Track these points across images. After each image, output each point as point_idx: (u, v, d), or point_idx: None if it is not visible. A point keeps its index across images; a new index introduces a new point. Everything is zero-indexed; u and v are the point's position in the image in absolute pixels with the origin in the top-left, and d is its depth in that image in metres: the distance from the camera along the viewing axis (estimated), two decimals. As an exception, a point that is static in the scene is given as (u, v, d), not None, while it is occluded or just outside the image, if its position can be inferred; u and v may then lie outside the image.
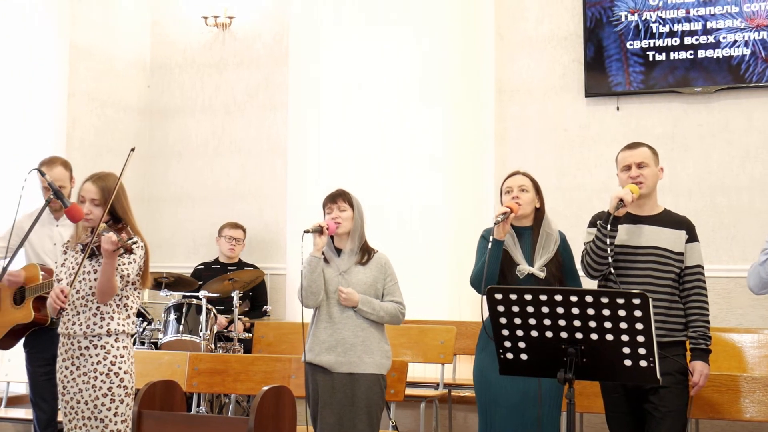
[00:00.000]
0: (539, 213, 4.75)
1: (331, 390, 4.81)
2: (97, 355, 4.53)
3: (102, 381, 4.51)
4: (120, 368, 4.54)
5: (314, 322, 4.93)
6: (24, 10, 7.24)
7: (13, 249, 5.48)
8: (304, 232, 4.81)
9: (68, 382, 4.58)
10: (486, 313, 4.10)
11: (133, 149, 4.59)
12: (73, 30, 7.76)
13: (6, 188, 6.76)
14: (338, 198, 4.93)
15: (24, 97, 7.24)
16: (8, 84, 7.15)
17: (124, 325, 4.58)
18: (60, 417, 5.70)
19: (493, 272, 4.54)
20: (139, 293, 4.72)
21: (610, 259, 4.38)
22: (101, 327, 4.54)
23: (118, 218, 4.63)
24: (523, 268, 4.62)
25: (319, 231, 4.80)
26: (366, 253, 4.95)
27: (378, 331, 4.90)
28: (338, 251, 4.96)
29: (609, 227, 4.36)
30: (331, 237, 4.95)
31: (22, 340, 5.69)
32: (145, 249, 4.64)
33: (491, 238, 4.51)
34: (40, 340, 5.54)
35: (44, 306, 5.41)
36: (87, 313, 4.56)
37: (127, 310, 4.63)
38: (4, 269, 4.40)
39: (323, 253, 4.88)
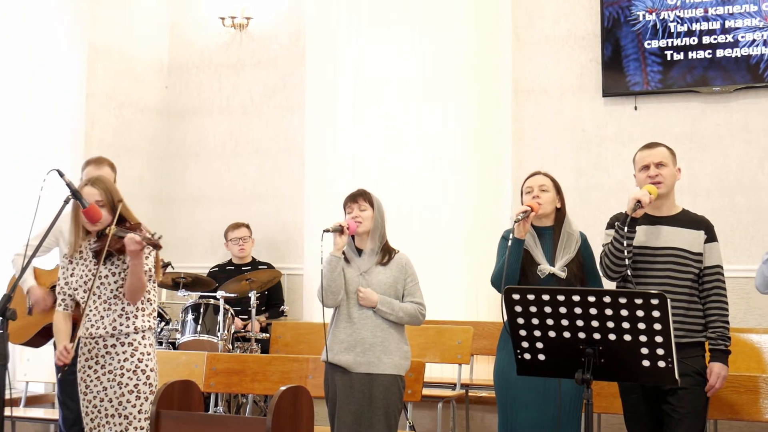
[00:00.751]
0: (560, 213, 4.75)
1: (349, 390, 4.80)
2: (124, 353, 4.56)
3: (129, 378, 4.54)
4: (147, 365, 4.58)
5: (334, 322, 4.93)
6: (43, 11, 7.26)
7: (49, 248, 5.54)
8: (324, 231, 4.79)
9: (91, 381, 4.61)
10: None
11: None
12: (91, 31, 7.79)
13: (25, 189, 6.78)
14: (359, 197, 4.93)
15: (43, 97, 7.27)
16: (28, 84, 7.19)
17: (148, 321, 4.64)
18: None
19: (514, 271, 4.53)
20: (155, 285, 4.75)
21: (627, 261, 4.37)
22: (128, 326, 4.57)
23: (122, 219, 4.64)
24: (545, 267, 4.61)
25: (339, 230, 4.79)
26: (387, 253, 4.94)
27: (397, 332, 4.89)
28: (359, 251, 4.95)
29: (626, 229, 4.34)
30: (353, 237, 4.94)
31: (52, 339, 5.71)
32: None
33: (511, 236, 4.51)
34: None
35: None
36: (112, 315, 4.57)
37: (151, 304, 4.68)
38: (24, 268, 4.41)
39: (344, 253, 4.87)
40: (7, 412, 4.00)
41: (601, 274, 4.61)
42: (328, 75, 7.98)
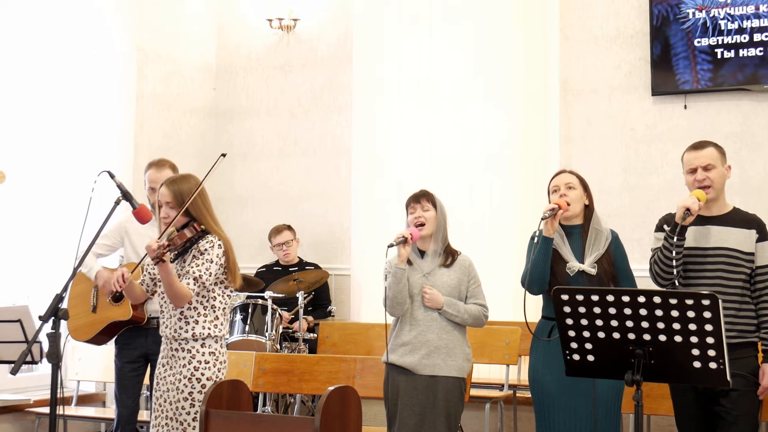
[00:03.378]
0: (588, 211, 4.70)
1: (412, 391, 4.77)
2: (183, 359, 4.58)
3: (184, 385, 4.56)
4: (203, 374, 4.57)
5: (397, 323, 4.88)
6: (92, 15, 7.35)
7: (115, 248, 5.61)
8: (388, 246, 4.70)
9: (161, 379, 4.67)
10: (530, 314, 4.13)
11: (223, 155, 4.63)
12: (140, 34, 7.86)
13: (76, 190, 6.87)
14: (422, 198, 4.89)
15: (93, 100, 7.35)
16: (78, 87, 7.27)
17: (209, 329, 4.59)
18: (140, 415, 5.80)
19: (544, 271, 4.51)
20: (230, 292, 4.72)
21: (676, 271, 4.31)
22: (186, 331, 4.58)
23: (194, 219, 4.66)
24: (574, 265, 4.57)
25: (402, 242, 4.72)
26: (450, 255, 4.90)
27: (461, 334, 4.86)
28: (421, 253, 4.91)
29: (676, 238, 4.28)
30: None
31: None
32: (226, 247, 4.64)
33: (537, 233, 4.48)
34: (133, 337, 5.60)
35: (141, 304, 5.49)
36: (173, 318, 4.61)
37: (214, 311, 4.63)
38: (75, 269, 4.47)
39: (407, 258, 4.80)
40: (59, 410, 4.04)
41: (651, 280, 4.55)
42: (375, 75, 7.99)
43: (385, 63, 7.95)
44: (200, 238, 4.62)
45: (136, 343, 5.59)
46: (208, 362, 4.59)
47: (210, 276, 4.56)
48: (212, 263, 4.57)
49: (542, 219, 4.48)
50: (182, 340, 4.59)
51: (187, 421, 4.55)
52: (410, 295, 4.81)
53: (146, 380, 5.77)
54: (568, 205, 4.60)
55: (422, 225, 4.84)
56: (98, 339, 5.72)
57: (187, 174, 4.81)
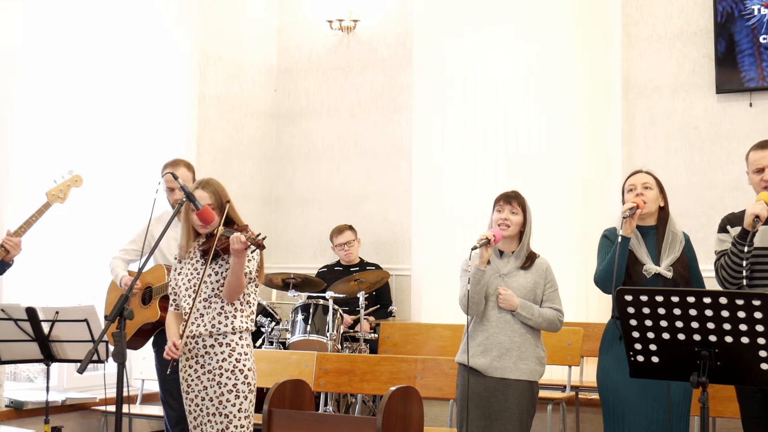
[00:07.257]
0: (663, 212, 4.67)
1: (483, 393, 4.75)
2: (222, 353, 4.66)
3: (227, 378, 4.64)
4: (245, 365, 4.68)
5: (471, 324, 4.86)
6: (157, 19, 7.45)
7: (146, 253, 5.68)
8: (472, 249, 4.67)
9: (192, 380, 4.72)
10: (599, 314, 4.07)
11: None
12: (202, 37, 7.94)
13: (140, 191, 6.95)
14: (513, 199, 4.85)
15: (158, 102, 7.44)
16: (144, 90, 7.37)
17: (246, 323, 4.73)
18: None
19: (620, 271, 4.47)
20: (257, 289, 4.83)
21: (745, 280, 4.25)
22: (226, 325, 4.67)
23: (229, 220, 4.74)
24: (651, 267, 4.54)
25: (486, 243, 4.68)
26: (529, 258, 4.87)
27: (534, 337, 4.82)
28: (500, 253, 4.89)
29: (746, 247, 4.22)
30: None
31: (151, 339, 5.86)
32: None
33: (619, 235, 4.45)
34: (166, 340, 5.67)
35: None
36: (211, 314, 4.68)
37: (250, 306, 4.77)
38: (140, 270, 4.53)
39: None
40: (124, 409, 4.10)
41: (717, 285, 4.49)
42: (435, 75, 7.99)
43: (445, 63, 7.95)
44: None
45: None
46: (247, 354, 4.72)
47: (254, 273, 4.71)
48: (254, 261, 4.73)
49: (623, 218, 4.44)
50: (220, 335, 4.66)
51: (232, 413, 4.62)
52: (485, 295, 4.78)
53: None
54: (645, 203, 4.56)
55: (507, 227, 4.81)
56: (133, 343, 5.81)
57: (210, 177, 4.92)
